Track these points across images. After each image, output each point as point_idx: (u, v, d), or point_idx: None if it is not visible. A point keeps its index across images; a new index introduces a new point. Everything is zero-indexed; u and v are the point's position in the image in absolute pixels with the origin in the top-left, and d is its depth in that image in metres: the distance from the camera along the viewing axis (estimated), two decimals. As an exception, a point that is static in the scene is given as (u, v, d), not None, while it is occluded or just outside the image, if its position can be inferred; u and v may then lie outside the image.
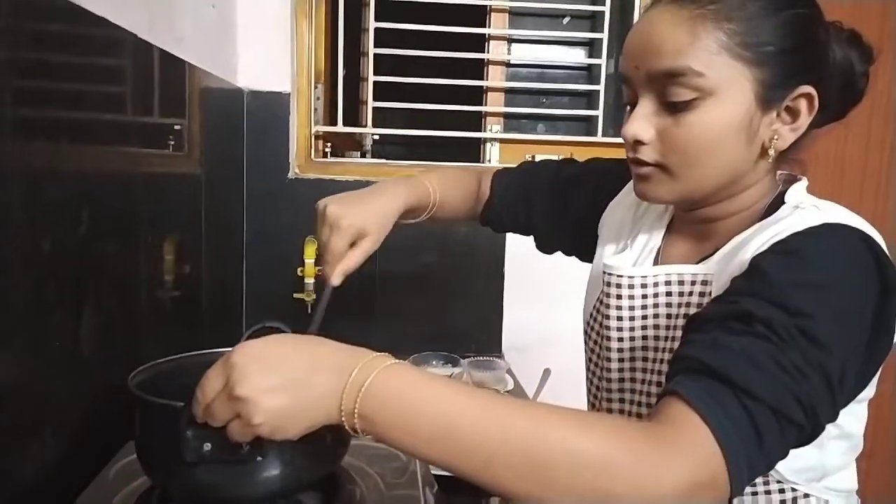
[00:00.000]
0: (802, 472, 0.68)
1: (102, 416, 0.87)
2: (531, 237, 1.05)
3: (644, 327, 0.76)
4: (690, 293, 0.73)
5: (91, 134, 0.88)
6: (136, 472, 0.76)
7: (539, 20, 1.93)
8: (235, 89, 1.66)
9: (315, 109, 1.77)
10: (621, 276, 0.77)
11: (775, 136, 0.67)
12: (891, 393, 1.98)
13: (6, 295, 0.68)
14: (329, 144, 1.84)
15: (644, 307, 0.76)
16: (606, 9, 1.83)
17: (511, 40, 1.92)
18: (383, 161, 1.85)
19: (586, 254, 0.95)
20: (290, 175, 1.76)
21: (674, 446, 0.50)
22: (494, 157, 1.90)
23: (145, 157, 1.06)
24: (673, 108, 0.66)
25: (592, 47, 1.94)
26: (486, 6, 1.87)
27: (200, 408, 0.55)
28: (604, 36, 1.83)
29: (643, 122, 0.68)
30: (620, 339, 0.78)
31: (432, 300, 1.82)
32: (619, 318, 0.77)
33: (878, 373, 0.63)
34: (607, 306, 0.78)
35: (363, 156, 1.94)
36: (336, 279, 0.83)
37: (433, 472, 0.84)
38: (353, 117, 1.90)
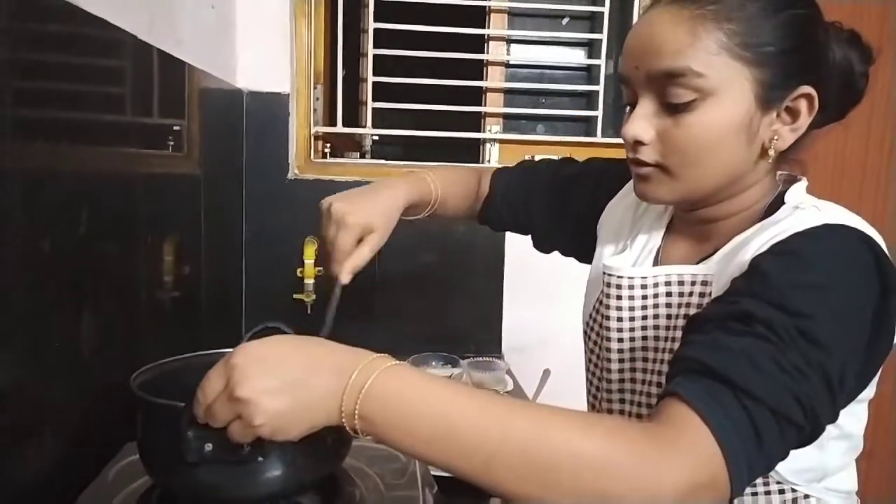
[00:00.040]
0: (802, 473, 0.68)
1: (102, 416, 0.87)
2: (530, 237, 1.05)
3: (644, 328, 0.76)
4: (690, 294, 0.73)
5: (91, 135, 0.88)
6: (136, 473, 0.76)
7: (538, 21, 1.93)
8: (235, 90, 1.66)
9: (314, 110, 1.77)
10: (621, 277, 0.77)
11: (775, 137, 0.67)
12: (891, 393, 1.97)
13: (6, 295, 0.68)
14: (328, 145, 1.83)
15: (644, 308, 0.76)
16: (606, 9, 1.83)
17: (510, 41, 1.92)
18: (383, 162, 1.85)
19: (584, 254, 0.95)
20: (290, 176, 1.76)
21: (674, 447, 0.50)
22: (494, 158, 1.90)
23: (145, 157, 1.06)
24: (673, 109, 0.66)
25: (592, 48, 1.94)
26: (485, 7, 1.87)
27: (201, 408, 0.55)
28: (603, 36, 1.83)
29: (643, 123, 0.68)
30: (620, 340, 0.78)
31: (432, 300, 1.82)
32: (619, 319, 0.77)
33: (879, 373, 0.63)
34: (607, 307, 0.78)
35: (362, 156, 1.94)
36: (345, 277, 0.83)
37: (433, 472, 0.84)
38: (352, 118, 1.90)
